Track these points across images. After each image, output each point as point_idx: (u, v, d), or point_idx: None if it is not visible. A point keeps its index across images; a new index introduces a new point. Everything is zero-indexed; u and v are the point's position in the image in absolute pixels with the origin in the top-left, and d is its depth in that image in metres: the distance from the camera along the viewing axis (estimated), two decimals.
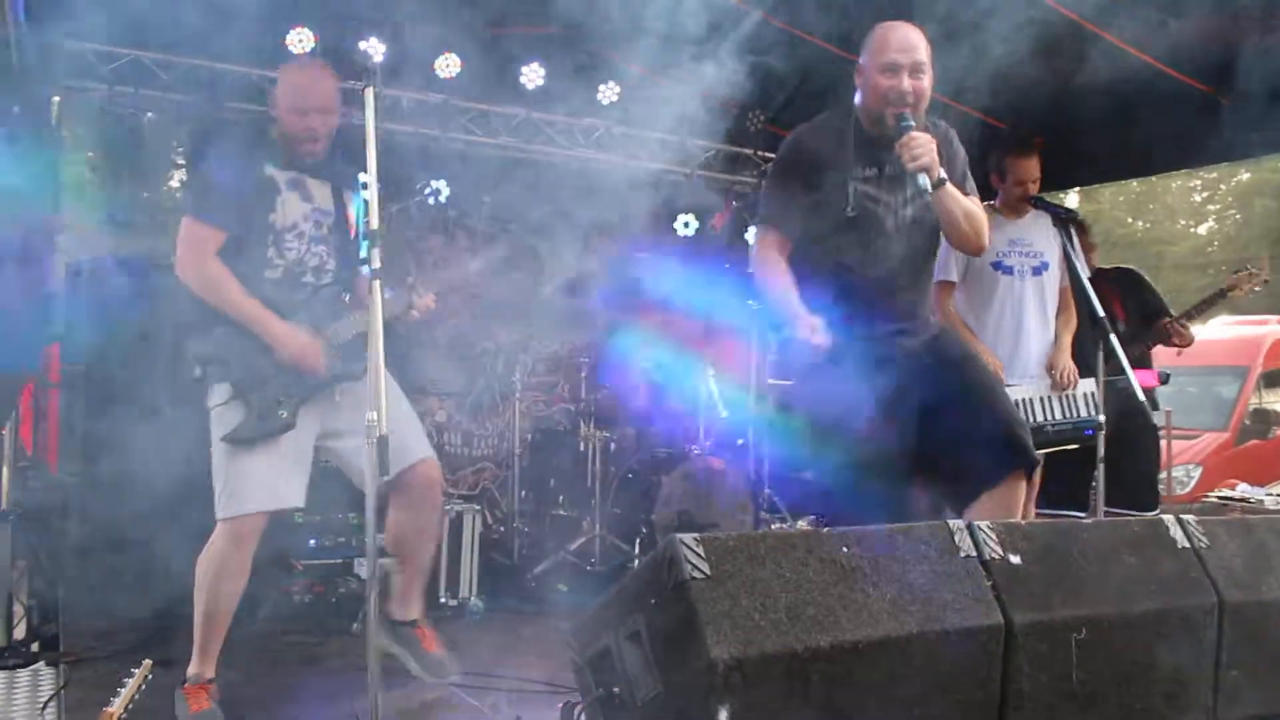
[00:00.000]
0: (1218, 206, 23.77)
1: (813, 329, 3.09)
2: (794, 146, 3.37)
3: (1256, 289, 5.13)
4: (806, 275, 3.38)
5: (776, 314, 3.26)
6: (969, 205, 3.23)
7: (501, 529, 6.27)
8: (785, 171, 3.35)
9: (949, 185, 3.14)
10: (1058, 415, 4.36)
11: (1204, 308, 5.33)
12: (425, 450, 3.41)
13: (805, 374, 3.41)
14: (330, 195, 3.45)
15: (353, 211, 3.51)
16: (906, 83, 3.14)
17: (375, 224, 2.93)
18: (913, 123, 3.11)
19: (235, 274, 3.25)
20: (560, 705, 2.85)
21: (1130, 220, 24.20)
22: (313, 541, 4.60)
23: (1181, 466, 8.42)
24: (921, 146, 3.06)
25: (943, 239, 3.38)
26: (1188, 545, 2.83)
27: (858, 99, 3.28)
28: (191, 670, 3.24)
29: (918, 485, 3.29)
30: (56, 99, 5.86)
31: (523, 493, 6.19)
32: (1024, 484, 3.14)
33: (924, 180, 3.07)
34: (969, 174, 3.38)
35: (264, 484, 3.20)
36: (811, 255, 3.32)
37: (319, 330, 3.33)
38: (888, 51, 3.17)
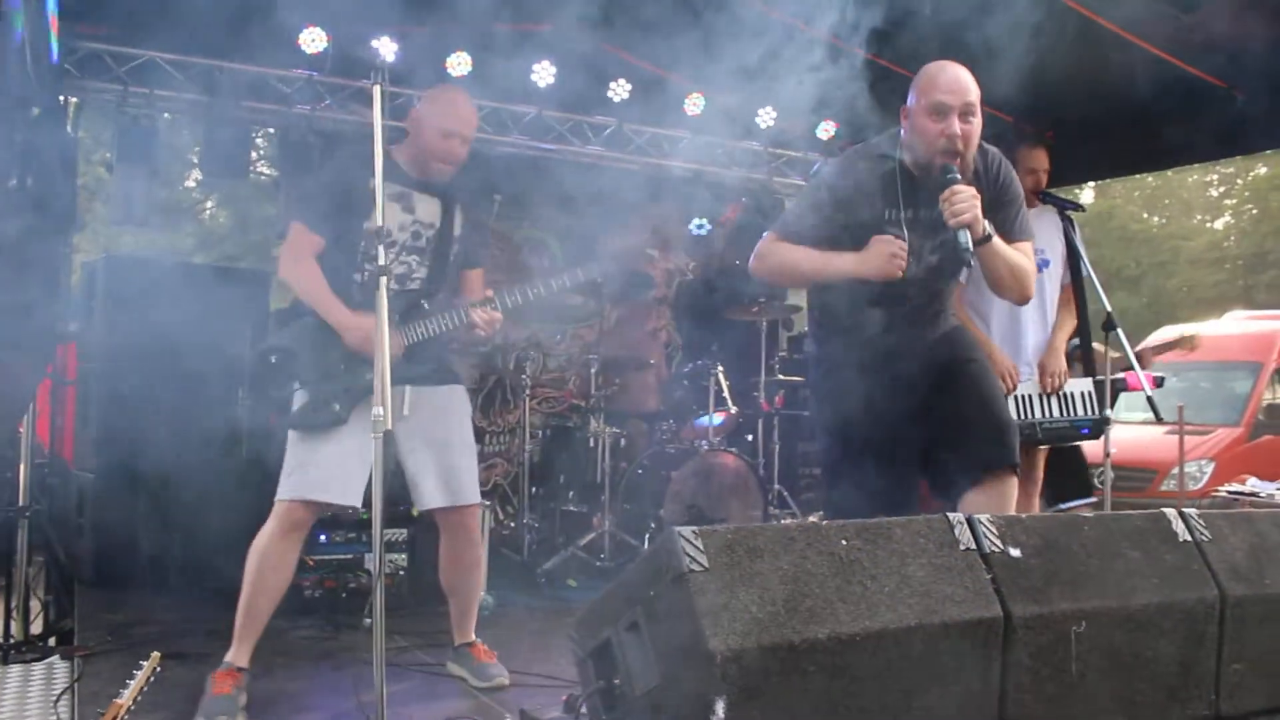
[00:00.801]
0: (1234, 201, 23.64)
1: (891, 252, 3.07)
2: (836, 175, 3.24)
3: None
4: (821, 299, 3.41)
5: (829, 273, 3.20)
6: (1014, 259, 3.12)
7: (512, 525, 6.30)
8: (822, 197, 3.23)
9: (995, 241, 3.04)
10: (1055, 413, 4.36)
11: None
12: (475, 497, 3.63)
13: (817, 378, 3.45)
14: (439, 211, 3.58)
15: (461, 228, 3.62)
16: (956, 125, 3.01)
17: (380, 222, 2.98)
18: (958, 175, 3.00)
19: (330, 274, 3.45)
20: (564, 697, 2.89)
21: (1145, 215, 24.08)
22: (323, 537, 4.63)
23: (1194, 462, 8.37)
24: (964, 202, 2.95)
25: None
26: (1189, 539, 2.82)
27: (903, 136, 3.17)
28: (228, 655, 3.34)
29: (925, 484, 3.32)
30: (74, 100, 5.93)
31: (533, 489, 6.21)
32: (1012, 481, 3.14)
33: (965, 238, 2.96)
34: (1022, 217, 3.26)
35: (318, 475, 3.34)
36: (829, 284, 3.30)
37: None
38: (935, 92, 3.04)
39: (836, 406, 3.31)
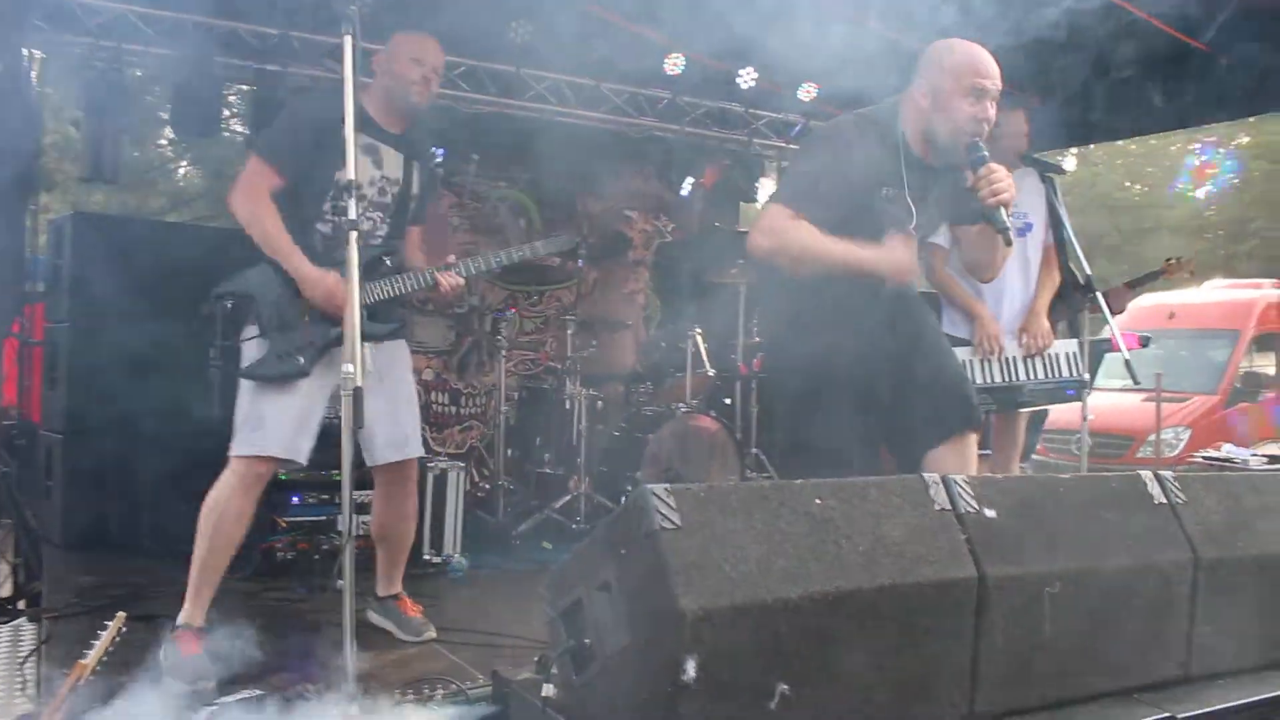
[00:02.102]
0: (1216, 170, 23.67)
1: (901, 258, 3.07)
2: (844, 143, 3.13)
3: (1186, 276, 5.56)
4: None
5: (849, 264, 3.08)
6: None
7: (487, 487, 6.28)
8: (829, 165, 3.11)
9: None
10: (1039, 374, 4.34)
11: (1142, 282, 5.44)
12: (419, 449, 3.62)
13: (777, 336, 3.41)
14: (401, 166, 3.52)
15: (419, 186, 3.59)
16: (991, 110, 3.01)
17: (351, 175, 2.92)
18: (987, 154, 2.98)
19: (290, 220, 3.32)
20: (536, 658, 2.87)
21: (1127, 184, 24.10)
22: (296, 499, 4.59)
23: (1171, 429, 8.44)
24: (1004, 180, 2.96)
25: None
26: (1164, 501, 2.82)
27: (912, 109, 3.10)
28: (182, 617, 3.26)
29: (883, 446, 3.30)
30: (40, 55, 5.80)
31: (509, 451, 6.19)
32: (973, 441, 3.15)
33: (1004, 215, 2.96)
34: None
35: (279, 430, 3.28)
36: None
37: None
38: (975, 75, 2.99)
39: (797, 364, 3.28)
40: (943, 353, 3.29)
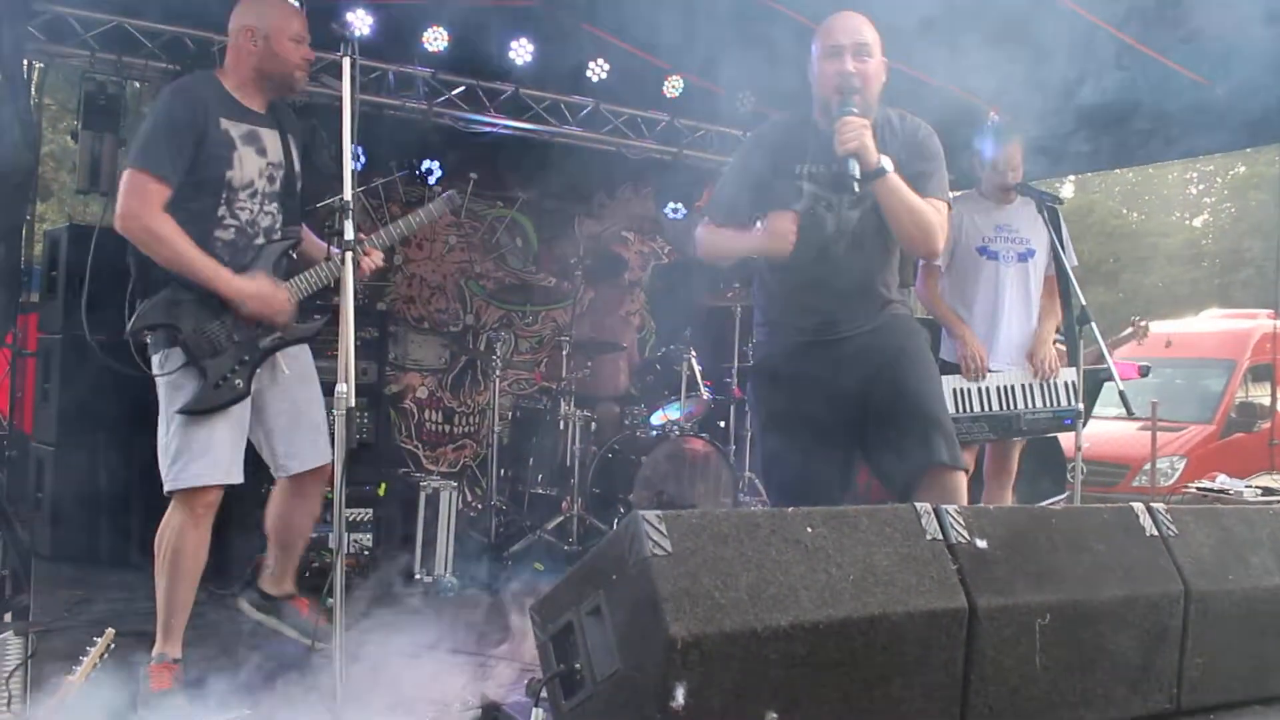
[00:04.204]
0: (1213, 199, 23.83)
1: (783, 229, 3.09)
2: (755, 139, 3.33)
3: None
4: (760, 282, 3.36)
5: (739, 250, 3.27)
6: (915, 202, 3.04)
7: (479, 507, 6.26)
8: (743, 163, 3.30)
9: (890, 176, 2.98)
10: (1038, 403, 4.36)
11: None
12: (328, 455, 3.40)
13: (758, 371, 3.40)
14: (280, 146, 3.31)
15: (299, 161, 3.38)
16: (850, 64, 3.06)
17: (348, 195, 2.91)
18: (853, 109, 2.99)
19: (186, 232, 3.08)
20: (526, 681, 2.86)
21: (1125, 211, 24.22)
22: None
23: (1166, 458, 8.42)
24: (852, 130, 2.94)
25: None
26: (1156, 533, 2.82)
27: (814, 88, 3.21)
28: (156, 649, 3.20)
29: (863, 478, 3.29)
30: (39, 65, 5.81)
31: (501, 471, 6.17)
32: (949, 476, 3.02)
33: (853, 166, 2.94)
34: (939, 178, 3.18)
35: (220, 456, 3.15)
36: (767, 266, 3.28)
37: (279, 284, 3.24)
38: (831, 35, 3.12)
39: (769, 396, 3.30)
40: (911, 385, 3.14)
